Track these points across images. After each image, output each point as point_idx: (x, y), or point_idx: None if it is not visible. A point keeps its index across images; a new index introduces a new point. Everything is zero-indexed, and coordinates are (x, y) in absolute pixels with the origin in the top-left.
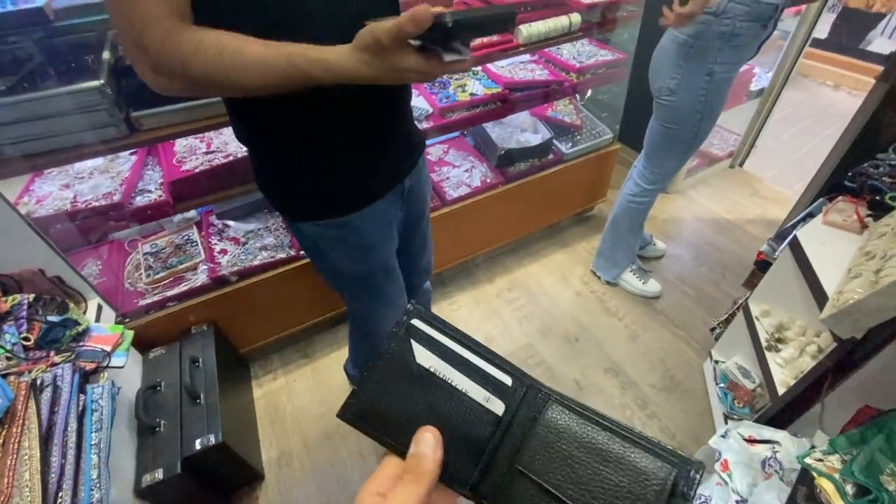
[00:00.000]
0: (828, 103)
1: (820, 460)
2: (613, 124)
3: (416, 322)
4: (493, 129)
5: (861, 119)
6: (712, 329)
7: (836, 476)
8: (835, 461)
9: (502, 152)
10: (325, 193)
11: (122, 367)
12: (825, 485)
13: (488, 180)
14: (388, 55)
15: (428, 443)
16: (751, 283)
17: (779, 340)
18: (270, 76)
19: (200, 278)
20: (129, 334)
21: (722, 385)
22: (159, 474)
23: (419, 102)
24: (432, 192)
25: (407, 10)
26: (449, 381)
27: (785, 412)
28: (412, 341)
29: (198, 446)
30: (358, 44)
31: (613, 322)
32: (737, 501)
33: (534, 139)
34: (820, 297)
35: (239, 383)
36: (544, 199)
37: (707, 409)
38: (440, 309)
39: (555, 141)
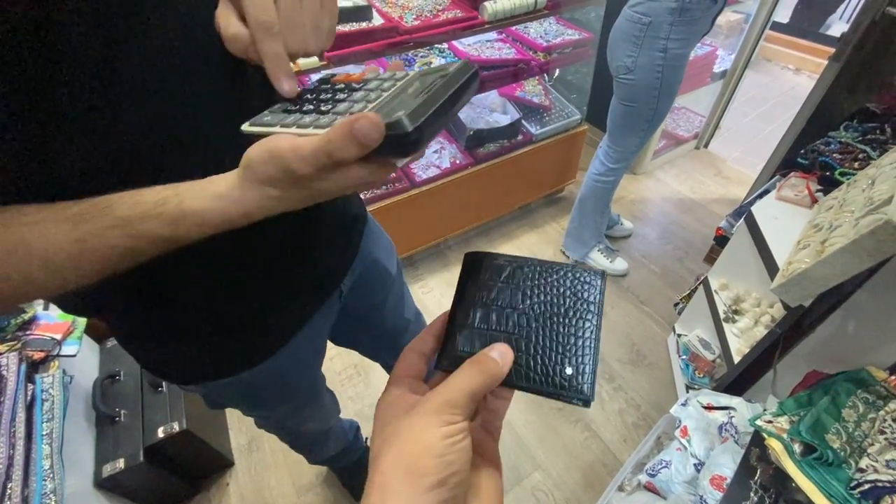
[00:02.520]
0: (790, 86)
1: (770, 422)
2: (581, 105)
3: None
4: (462, 110)
5: (815, 98)
6: (676, 304)
7: (785, 436)
8: (783, 422)
9: (471, 133)
10: (221, 348)
11: (74, 356)
12: (774, 445)
13: (458, 162)
14: (310, 182)
15: (500, 352)
16: (710, 258)
17: (735, 312)
18: (92, 265)
19: None
20: (82, 322)
21: (684, 357)
22: (120, 464)
23: None
24: (402, 173)
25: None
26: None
27: (740, 380)
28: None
29: (161, 434)
30: (257, 177)
31: None
32: (695, 464)
33: (503, 120)
34: (772, 268)
35: None
36: (514, 180)
37: (671, 380)
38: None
39: (524, 122)
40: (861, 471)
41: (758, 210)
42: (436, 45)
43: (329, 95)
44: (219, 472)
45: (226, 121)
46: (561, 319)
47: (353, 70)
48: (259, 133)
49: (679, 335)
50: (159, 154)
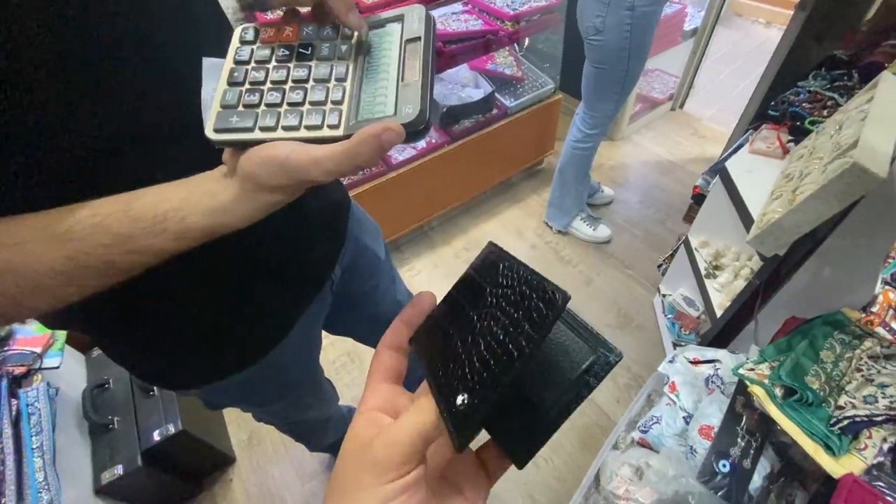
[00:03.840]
0: (761, 41)
1: (752, 370)
2: (554, 74)
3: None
4: (434, 87)
5: (783, 49)
6: (659, 265)
7: (766, 382)
8: (764, 369)
9: (444, 110)
10: (216, 351)
11: (57, 368)
12: (757, 391)
13: (434, 141)
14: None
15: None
16: (689, 217)
17: (716, 268)
18: (87, 280)
19: None
20: (62, 334)
21: (670, 316)
22: (119, 470)
23: None
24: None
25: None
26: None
27: (724, 333)
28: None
29: (157, 437)
30: (264, 188)
31: (568, 270)
32: (684, 417)
33: (476, 94)
34: (747, 221)
35: None
36: (493, 155)
37: (658, 340)
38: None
39: (497, 95)
40: (840, 408)
41: (732, 165)
42: None
43: (283, 73)
44: (221, 469)
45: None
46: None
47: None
48: (234, 141)
49: (664, 295)
50: (149, 145)
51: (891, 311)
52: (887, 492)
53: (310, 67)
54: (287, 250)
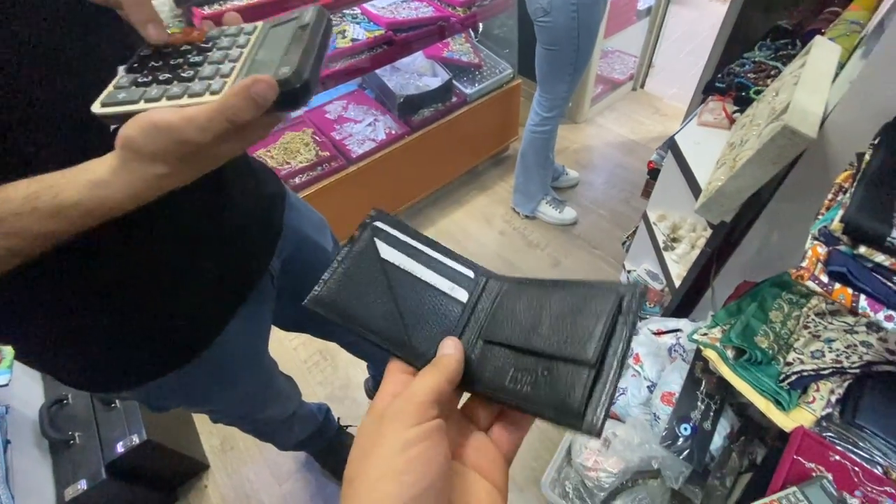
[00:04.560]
0: (717, 18)
1: (705, 335)
2: (512, 59)
3: (379, 224)
4: (391, 78)
5: (730, 21)
6: (623, 243)
7: (718, 345)
8: (717, 333)
9: (401, 100)
10: (146, 350)
11: (6, 386)
12: (710, 354)
13: (393, 132)
14: (205, 150)
15: (448, 345)
16: (647, 192)
17: (674, 240)
18: None
19: None
20: (9, 350)
21: None
22: (82, 485)
23: None
24: (337, 152)
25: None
26: (414, 273)
27: (684, 303)
28: (376, 240)
29: (120, 449)
30: (142, 155)
31: (536, 253)
32: (648, 387)
33: (433, 82)
34: (697, 191)
35: None
36: (456, 144)
37: None
38: None
39: (456, 82)
40: (788, 364)
41: (681, 138)
42: (347, 12)
43: (180, 60)
44: (194, 476)
45: (84, 93)
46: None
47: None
48: (119, 113)
49: (629, 271)
50: (8, 136)
51: (819, 265)
52: (837, 442)
53: (207, 55)
54: (215, 243)
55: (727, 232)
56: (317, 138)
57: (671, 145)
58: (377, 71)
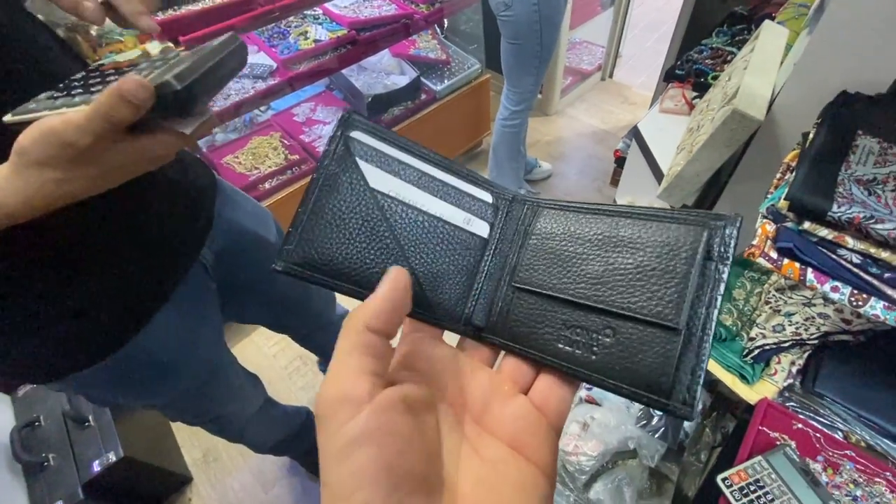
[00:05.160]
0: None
1: None
2: (480, 54)
3: (356, 135)
4: (358, 77)
5: (688, 10)
6: None
7: None
8: None
9: (370, 99)
10: (72, 338)
11: None
12: None
13: None
14: (95, 155)
15: (389, 279)
16: (615, 180)
17: None
18: None
19: None
20: None
21: None
22: None
23: (259, 58)
24: (307, 154)
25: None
26: (417, 206)
27: None
28: (357, 160)
29: (97, 468)
30: (32, 160)
31: None
32: None
33: (401, 81)
34: (660, 177)
35: None
36: (428, 141)
37: None
38: None
39: (424, 80)
40: (751, 339)
41: (643, 126)
42: (308, 13)
43: (98, 80)
44: (178, 490)
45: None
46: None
47: (122, 58)
48: (25, 121)
49: None
50: None
51: (768, 242)
52: (799, 410)
53: (124, 74)
54: (137, 232)
55: None
56: (285, 142)
57: (635, 133)
58: (344, 71)
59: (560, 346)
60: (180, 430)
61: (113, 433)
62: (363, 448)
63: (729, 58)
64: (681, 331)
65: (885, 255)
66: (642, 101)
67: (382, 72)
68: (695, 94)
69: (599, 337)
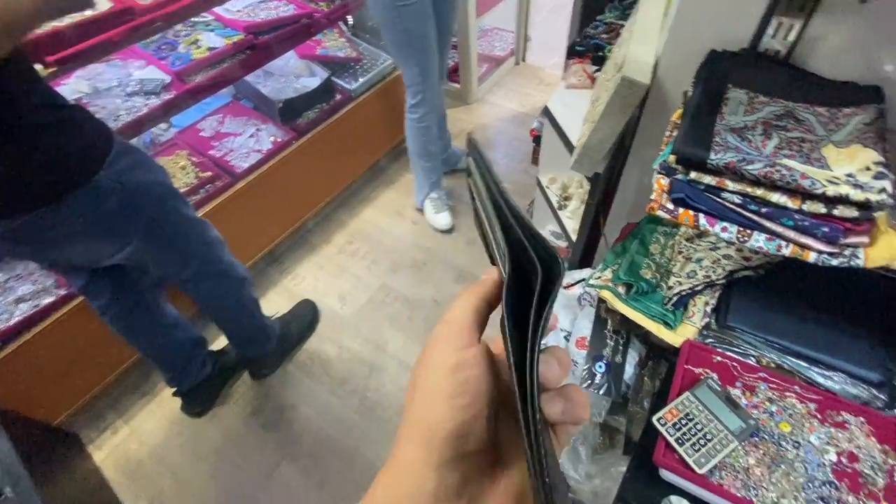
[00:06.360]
0: None
1: (599, 278)
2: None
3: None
4: (265, 84)
5: None
6: (527, 209)
7: (610, 284)
8: (608, 274)
9: (281, 105)
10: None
11: None
12: (605, 294)
13: (279, 139)
14: None
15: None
16: (535, 159)
17: (565, 199)
18: None
19: None
20: None
21: None
22: None
23: (148, 72)
24: (220, 170)
25: None
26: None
27: (585, 254)
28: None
29: None
30: None
31: (451, 236)
32: (565, 336)
33: (312, 83)
34: (572, 150)
35: (66, 457)
36: (350, 142)
37: None
38: (283, 287)
39: (337, 79)
40: (670, 288)
41: (552, 103)
42: (196, 20)
43: None
44: None
45: None
46: None
47: None
48: None
49: None
50: None
51: (664, 195)
52: (717, 345)
53: None
54: None
55: (604, 182)
56: (194, 159)
57: (546, 111)
58: (248, 79)
59: None
60: (120, 483)
61: (35, 501)
62: (473, 369)
63: (621, 31)
64: None
65: (759, 192)
66: (556, 81)
67: (291, 75)
68: (595, 67)
69: None
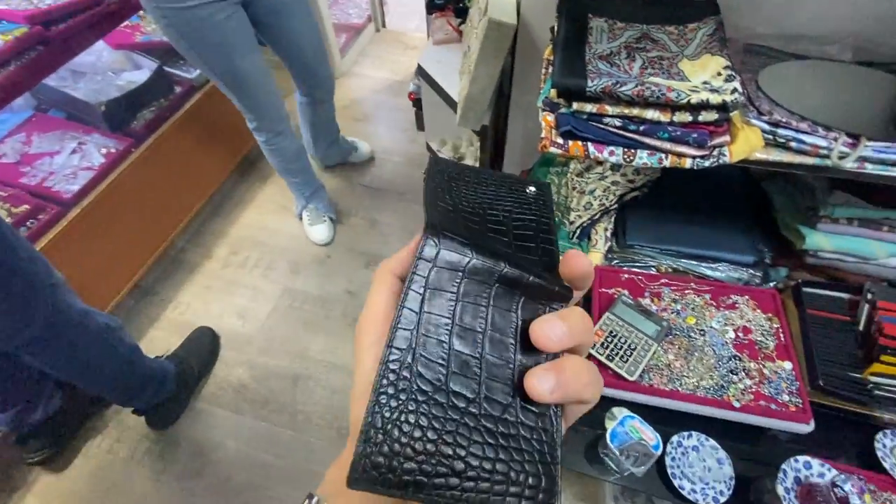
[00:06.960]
0: None
1: None
2: None
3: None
4: (76, 86)
5: None
6: (424, 179)
7: None
8: None
9: (103, 108)
10: None
11: None
12: None
13: (113, 150)
14: None
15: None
16: (420, 124)
17: (459, 159)
18: None
19: None
20: None
21: None
22: None
23: None
24: (39, 199)
25: None
26: None
27: None
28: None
29: None
30: None
31: (350, 222)
32: None
33: (139, 76)
34: (455, 107)
35: None
36: (207, 139)
37: None
38: (166, 321)
39: (171, 68)
40: (571, 223)
41: (424, 62)
42: None
43: None
44: None
45: None
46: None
47: None
48: None
49: None
50: None
51: (553, 131)
52: (622, 264)
53: None
54: None
55: (493, 134)
56: (2, 194)
57: (419, 72)
58: (50, 83)
59: None
60: None
61: None
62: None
63: None
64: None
65: (635, 111)
66: (421, 44)
67: (109, 71)
68: (458, 19)
69: None
